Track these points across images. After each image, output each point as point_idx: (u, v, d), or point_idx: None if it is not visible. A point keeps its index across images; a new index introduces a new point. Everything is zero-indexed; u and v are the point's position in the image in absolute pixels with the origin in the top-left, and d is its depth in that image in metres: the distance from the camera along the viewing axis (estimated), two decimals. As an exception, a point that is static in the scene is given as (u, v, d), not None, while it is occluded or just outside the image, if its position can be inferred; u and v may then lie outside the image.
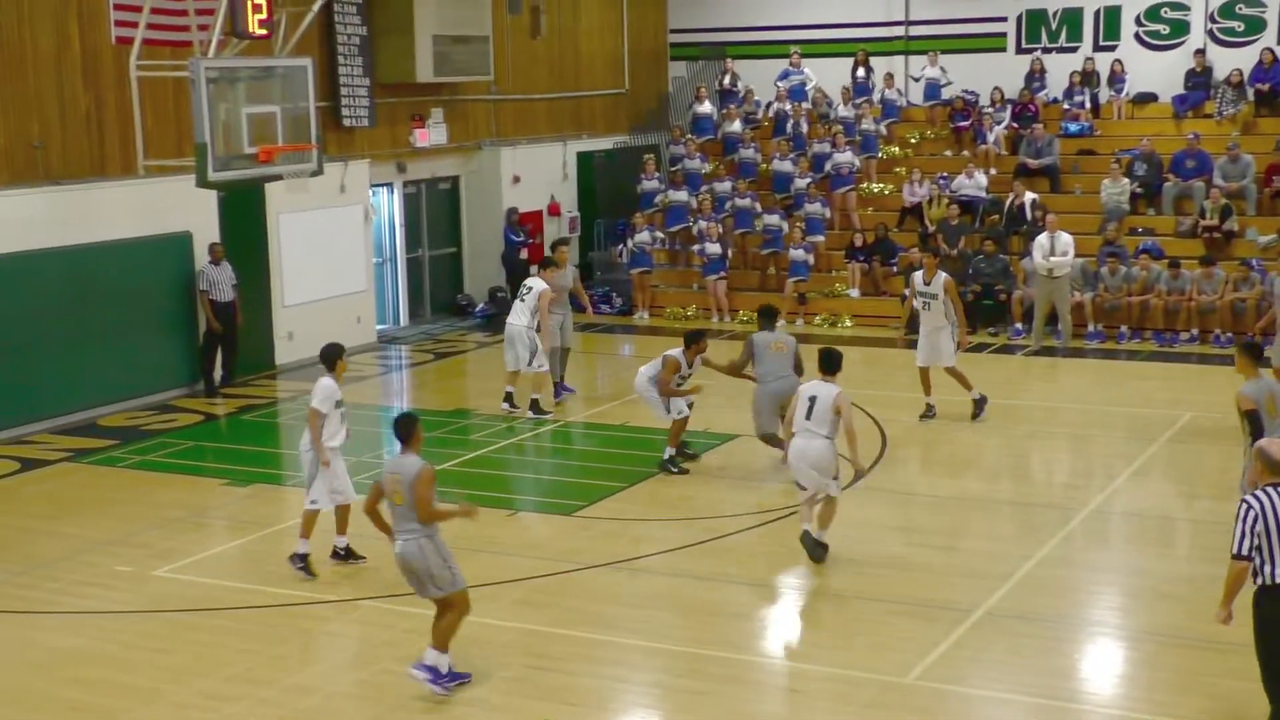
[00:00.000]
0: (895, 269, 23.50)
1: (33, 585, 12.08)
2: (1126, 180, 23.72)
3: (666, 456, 14.91)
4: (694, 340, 15.06)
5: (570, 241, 23.80)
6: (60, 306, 17.50)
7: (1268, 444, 8.65)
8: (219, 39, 16.87)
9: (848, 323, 23.22)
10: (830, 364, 12.41)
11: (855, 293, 23.69)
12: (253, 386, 19.73)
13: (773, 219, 24.63)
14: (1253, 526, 8.27)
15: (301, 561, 12.10)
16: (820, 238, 24.52)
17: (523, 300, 17.38)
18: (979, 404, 16.93)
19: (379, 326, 23.11)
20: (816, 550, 12.01)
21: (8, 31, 17.24)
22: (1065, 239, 21.21)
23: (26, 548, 13.09)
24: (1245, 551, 8.27)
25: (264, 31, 16.93)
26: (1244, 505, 8.38)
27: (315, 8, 18.01)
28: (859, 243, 23.93)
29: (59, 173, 17.89)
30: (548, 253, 19.47)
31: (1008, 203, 23.73)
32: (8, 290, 16.90)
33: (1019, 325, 21.97)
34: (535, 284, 17.53)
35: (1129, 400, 18.10)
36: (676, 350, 15.03)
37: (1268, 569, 8.29)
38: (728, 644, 10.68)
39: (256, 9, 16.71)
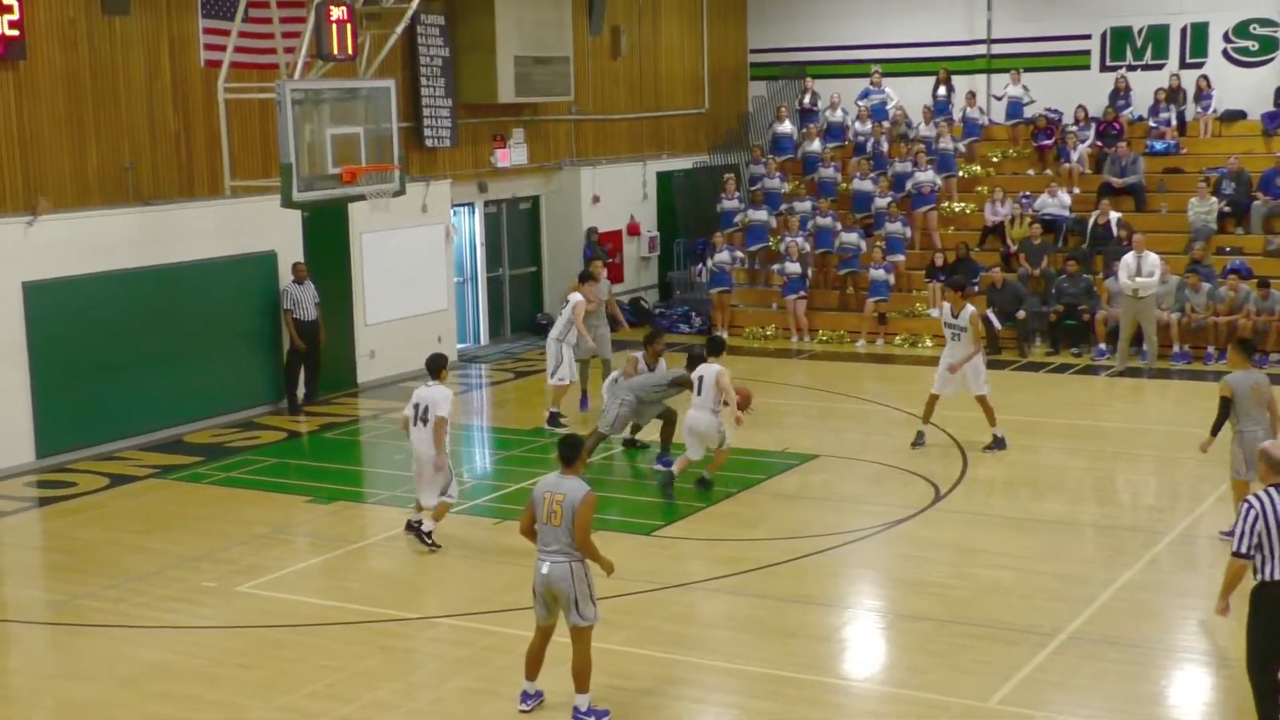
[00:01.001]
0: (977, 289, 23.31)
1: (121, 599, 12.28)
2: (1214, 199, 23.39)
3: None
4: (650, 341, 16.32)
5: (605, 258, 24.05)
6: (148, 325, 17.80)
7: (1272, 446, 8.98)
8: (305, 61, 17.14)
9: (928, 343, 23.06)
10: (715, 348, 15.17)
11: (935, 312, 23.51)
12: (335, 404, 19.94)
13: (850, 237, 24.55)
14: (1253, 526, 8.57)
15: (428, 537, 13.33)
16: (900, 257, 24.39)
17: (560, 315, 18.14)
18: (998, 441, 16.56)
19: (459, 345, 23.28)
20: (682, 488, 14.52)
21: (101, 56, 17.59)
22: (1152, 259, 20.93)
23: (115, 562, 13.31)
24: (1244, 550, 8.63)
25: (349, 54, 17.17)
26: (1245, 505, 8.70)
27: (399, 30, 18.24)
28: (939, 262, 23.77)
29: (148, 193, 18.22)
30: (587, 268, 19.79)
31: (1091, 222, 23.48)
32: (99, 309, 17.22)
33: (1102, 346, 21.71)
34: (572, 297, 18.20)
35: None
36: (638, 353, 16.35)
37: (1267, 567, 8.57)
38: (806, 666, 10.63)
39: (342, 32, 16.97)
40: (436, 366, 13.24)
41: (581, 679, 9.67)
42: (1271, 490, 8.67)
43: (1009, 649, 10.72)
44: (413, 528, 13.46)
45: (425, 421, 13.10)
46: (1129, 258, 21.02)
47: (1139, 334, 21.17)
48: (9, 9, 16.19)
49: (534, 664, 9.88)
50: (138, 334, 17.67)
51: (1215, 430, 12.86)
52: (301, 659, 10.91)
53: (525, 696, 9.89)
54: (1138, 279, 20.76)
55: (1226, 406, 12.62)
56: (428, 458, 13.15)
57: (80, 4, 17.33)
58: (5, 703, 10.39)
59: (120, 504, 15.35)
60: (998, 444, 16.51)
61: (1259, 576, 8.65)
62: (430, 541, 13.33)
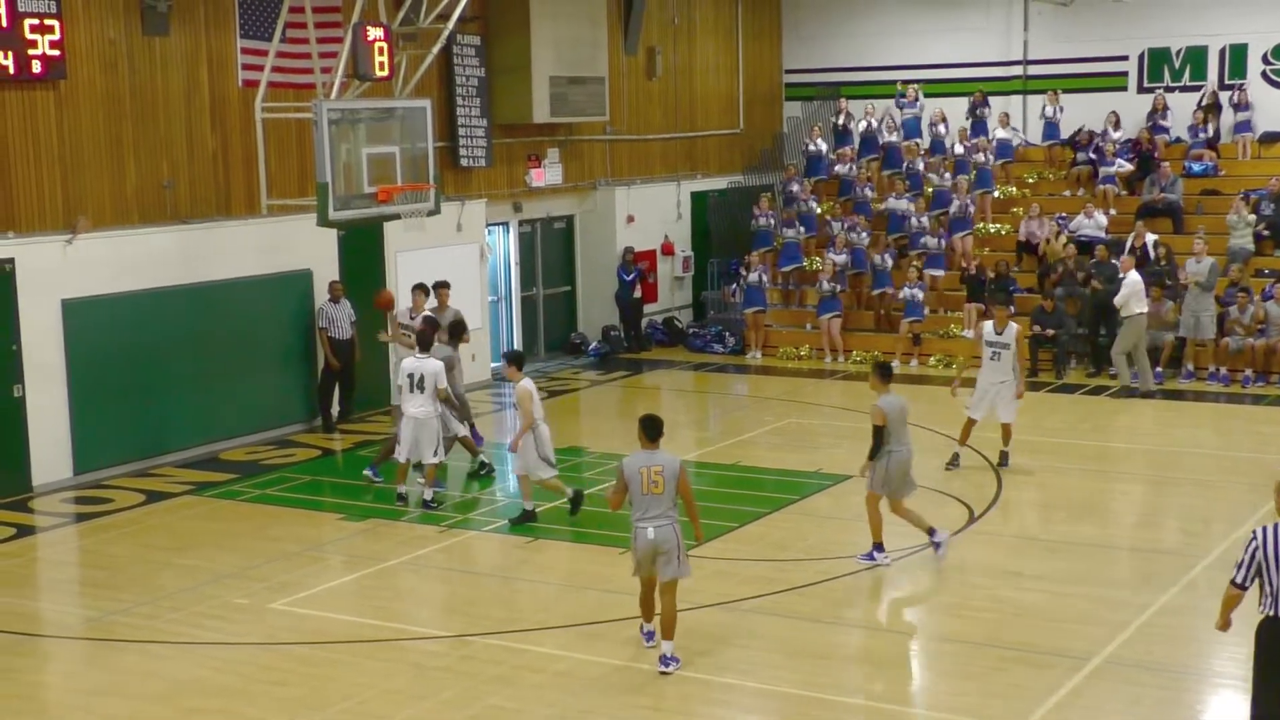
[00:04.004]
0: (1013, 310, 23.20)
1: (155, 615, 12.34)
2: (1252, 216, 23.22)
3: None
4: (512, 360, 15.39)
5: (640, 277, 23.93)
6: (185, 343, 17.91)
7: None
8: (341, 81, 17.25)
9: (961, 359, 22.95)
10: (516, 359, 15.29)
11: (969, 333, 23.43)
12: (369, 423, 20.00)
13: (880, 259, 24.50)
14: (1252, 556, 8.51)
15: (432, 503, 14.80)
16: (940, 272, 24.31)
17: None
18: (1005, 458, 16.62)
19: (493, 364, 23.32)
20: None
21: (141, 76, 17.75)
22: (1130, 279, 20.63)
23: (150, 578, 13.38)
24: (1242, 580, 8.57)
25: (385, 74, 17.28)
26: (1251, 536, 8.62)
27: (435, 50, 18.34)
28: (977, 274, 23.63)
29: (186, 212, 18.35)
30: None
31: (1128, 243, 23.33)
32: (136, 327, 17.34)
33: (1158, 369, 21.46)
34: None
35: (1253, 446, 17.66)
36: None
37: (1268, 601, 8.46)
38: (838, 687, 10.59)
39: (379, 52, 17.07)
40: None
41: (669, 629, 10.81)
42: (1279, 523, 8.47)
43: (1043, 673, 10.65)
44: (403, 497, 15.38)
45: (422, 389, 15.10)
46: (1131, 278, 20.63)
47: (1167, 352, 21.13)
48: (50, 29, 16.37)
49: (648, 606, 11.14)
50: (174, 351, 17.79)
51: (872, 455, 13.04)
52: (334, 676, 10.93)
53: (649, 635, 11.22)
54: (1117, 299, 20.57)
55: (879, 433, 12.91)
56: (425, 416, 15.15)
57: (120, 24, 17.49)
58: (40, 717, 10.45)
59: (155, 520, 15.44)
60: (1005, 460, 16.57)
61: (1261, 609, 8.50)
62: (434, 503, 15.23)
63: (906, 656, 11.46)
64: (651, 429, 10.94)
